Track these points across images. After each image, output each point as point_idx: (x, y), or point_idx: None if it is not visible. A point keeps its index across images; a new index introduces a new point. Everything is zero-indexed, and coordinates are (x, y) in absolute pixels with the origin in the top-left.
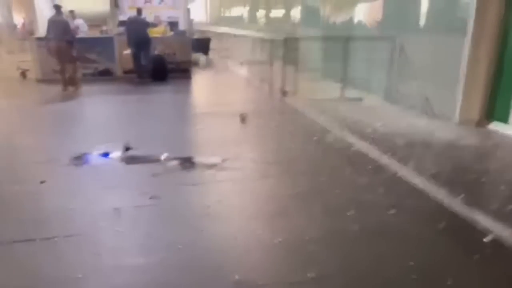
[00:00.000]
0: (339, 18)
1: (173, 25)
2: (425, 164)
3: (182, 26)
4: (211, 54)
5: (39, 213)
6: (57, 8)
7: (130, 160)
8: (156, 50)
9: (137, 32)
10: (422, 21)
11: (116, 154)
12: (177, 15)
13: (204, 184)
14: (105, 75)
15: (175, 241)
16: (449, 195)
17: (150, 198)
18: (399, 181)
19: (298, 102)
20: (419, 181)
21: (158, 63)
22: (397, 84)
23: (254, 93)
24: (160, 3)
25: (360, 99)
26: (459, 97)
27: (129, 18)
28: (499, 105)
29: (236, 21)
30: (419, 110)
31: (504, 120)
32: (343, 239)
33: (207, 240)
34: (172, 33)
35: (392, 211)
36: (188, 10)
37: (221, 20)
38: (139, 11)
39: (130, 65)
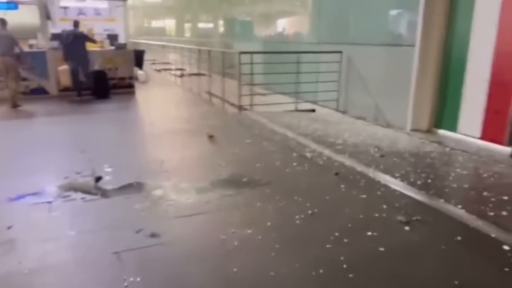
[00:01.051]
0: (272, 32)
1: (112, 38)
2: (395, 167)
3: (122, 39)
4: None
5: None
6: (2, 22)
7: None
8: (96, 65)
9: (75, 46)
10: (371, 34)
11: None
12: (114, 27)
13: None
14: (38, 93)
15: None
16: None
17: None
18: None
19: (257, 116)
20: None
21: (99, 79)
22: (347, 96)
23: (208, 107)
24: (95, 15)
25: (313, 111)
26: (410, 107)
27: (64, 31)
28: (447, 115)
29: (160, 33)
30: (371, 120)
31: (453, 128)
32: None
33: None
34: (112, 47)
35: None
36: (127, 22)
37: (145, 33)
38: (76, 23)
39: (67, 82)
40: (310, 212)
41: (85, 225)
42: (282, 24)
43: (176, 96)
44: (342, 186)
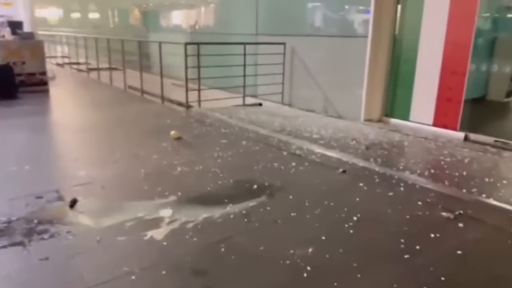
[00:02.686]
0: (199, 22)
1: (14, 25)
2: (391, 160)
3: (28, 27)
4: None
5: None
6: None
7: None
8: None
9: None
10: (321, 25)
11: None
12: (15, 13)
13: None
14: None
15: None
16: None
17: None
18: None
19: (211, 112)
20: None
21: (4, 76)
22: (292, 89)
23: (148, 105)
24: None
25: (260, 104)
26: (364, 97)
27: None
28: (398, 104)
29: (59, 23)
30: (321, 112)
31: (405, 117)
32: None
33: None
34: (14, 36)
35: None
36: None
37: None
38: None
39: None
40: (355, 218)
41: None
42: (210, 14)
43: (101, 93)
44: (361, 184)
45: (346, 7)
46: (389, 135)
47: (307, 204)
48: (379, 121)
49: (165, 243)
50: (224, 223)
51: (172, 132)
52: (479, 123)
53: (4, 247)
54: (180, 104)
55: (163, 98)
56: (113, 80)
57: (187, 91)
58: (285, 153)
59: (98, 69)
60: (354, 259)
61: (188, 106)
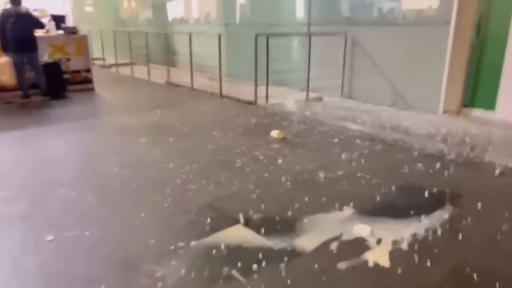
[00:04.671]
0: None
1: (58, 19)
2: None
3: (70, 22)
4: None
5: None
6: None
7: None
8: (46, 56)
9: (20, 32)
10: (390, 15)
11: None
12: (54, 6)
13: None
14: None
15: None
16: None
17: None
18: None
19: (286, 108)
20: None
21: (53, 74)
22: (352, 81)
23: (212, 102)
24: None
25: (320, 99)
26: (443, 88)
27: (3, 13)
28: (482, 93)
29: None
30: (390, 104)
31: (491, 107)
32: None
33: None
34: (59, 32)
35: None
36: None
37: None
38: (16, 1)
39: (8, 79)
40: None
41: None
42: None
43: (150, 91)
44: None
45: None
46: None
47: (506, 215)
48: (458, 112)
49: (399, 271)
50: (439, 239)
51: (276, 132)
52: None
53: None
54: (242, 100)
55: (221, 94)
56: (150, 75)
57: (256, 86)
58: (415, 153)
59: (113, 65)
60: None
61: (255, 103)
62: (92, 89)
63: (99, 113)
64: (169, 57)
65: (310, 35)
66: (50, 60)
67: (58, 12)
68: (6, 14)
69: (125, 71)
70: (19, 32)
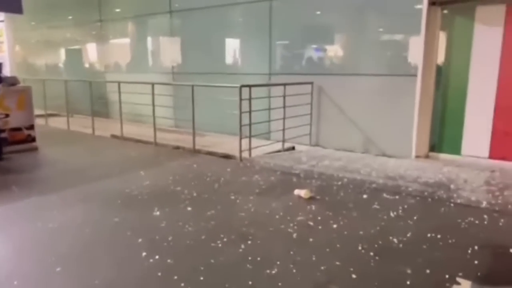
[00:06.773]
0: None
1: None
2: None
3: (7, 71)
4: None
5: None
6: None
7: None
8: None
9: None
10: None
11: None
12: None
13: None
14: None
15: None
16: None
17: None
18: None
19: (271, 164)
20: None
21: None
22: (319, 129)
23: (190, 160)
24: None
25: (293, 148)
26: (414, 134)
27: None
28: (448, 138)
29: None
30: (361, 151)
31: (456, 151)
32: None
33: None
34: None
35: None
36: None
37: None
38: None
39: None
40: None
41: None
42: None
43: (107, 147)
44: None
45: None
46: (471, 172)
47: None
48: (427, 156)
49: None
50: None
51: (302, 192)
52: None
53: None
54: (228, 156)
55: (195, 149)
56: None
57: (241, 139)
58: (451, 204)
59: (46, 116)
60: None
61: (230, 157)
62: (35, 148)
63: (55, 183)
64: (101, 107)
65: (284, 86)
66: None
67: None
68: None
69: (56, 123)
70: None
